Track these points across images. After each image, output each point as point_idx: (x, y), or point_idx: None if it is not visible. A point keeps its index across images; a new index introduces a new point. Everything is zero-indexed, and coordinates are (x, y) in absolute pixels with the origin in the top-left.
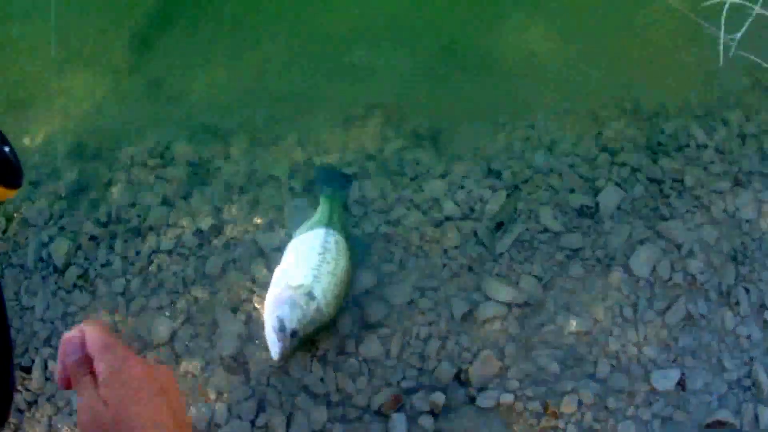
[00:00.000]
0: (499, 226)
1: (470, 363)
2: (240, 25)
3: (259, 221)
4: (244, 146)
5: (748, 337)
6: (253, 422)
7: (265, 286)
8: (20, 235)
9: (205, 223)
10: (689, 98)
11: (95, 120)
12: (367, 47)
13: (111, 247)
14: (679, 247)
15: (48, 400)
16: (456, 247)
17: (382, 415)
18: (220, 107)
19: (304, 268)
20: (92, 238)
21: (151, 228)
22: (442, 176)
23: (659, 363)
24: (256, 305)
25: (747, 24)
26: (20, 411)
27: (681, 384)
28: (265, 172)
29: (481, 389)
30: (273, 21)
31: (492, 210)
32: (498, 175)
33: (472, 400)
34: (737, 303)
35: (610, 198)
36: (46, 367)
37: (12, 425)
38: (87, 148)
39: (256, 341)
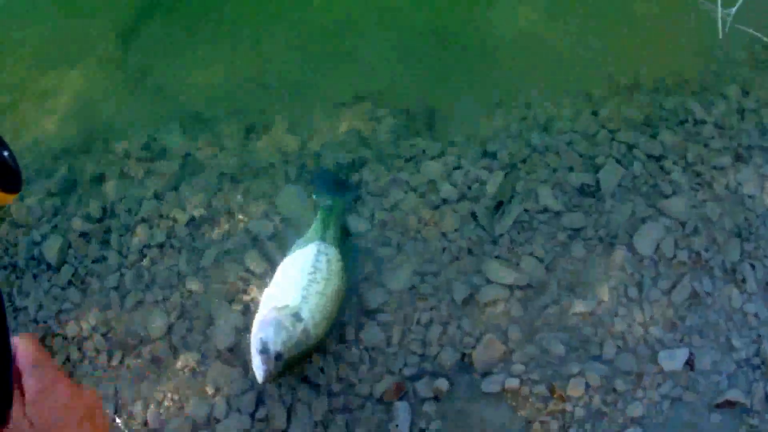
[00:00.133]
0: (498, 206)
1: (473, 348)
2: (227, 14)
3: (252, 210)
4: (235, 135)
5: (756, 314)
6: (252, 415)
7: (261, 276)
8: (11, 235)
9: (198, 214)
10: (686, 74)
11: (84, 116)
12: (356, 33)
13: (103, 243)
14: (682, 224)
15: None
16: (455, 230)
17: (384, 403)
18: (210, 97)
19: (292, 288)
20: (84, 234)
21: (143, 221)
22: (438, 158)
23: (666, 343)
24: (252, 296)
25: None
26: None
27: (689, 364)
28: (257, 160)
29: (486, 374)
30: (260, 10)
31: (490, 191)
32: (494, 155)
33: (477, 385)
34: (743, 280)
35: (610, 175)
36: None
37: None
38: (76, 144)
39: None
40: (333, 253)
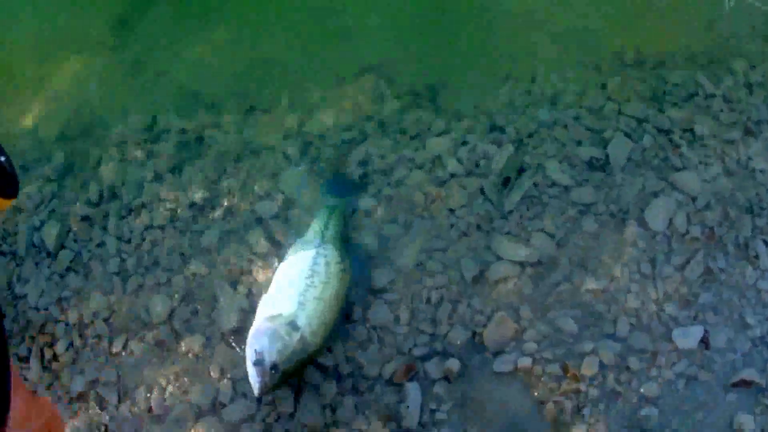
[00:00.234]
0: (507, 181)
1: (484, 326)
2: None
3: (255, 190)
4: (236, 115)
5: None
6: (259, 399)
7: (265, 256)
8: (9, 223)
9: (199, 195)
10: (692, 47)
11: (82, 101)
12: (356, 7)
13: (104, 227)
14: (694, 199)
15: (47, 389)
16: (463, 206)
17: (394, 384)
18: (209, 78)
19: (288, 295)
20: (84, 219)
21: (143, 205)
22: (444, 133)
23: (680, 320)
24: (257, 277)
25: None
26: None
27: (704, 342)
28: (258, 140)
29: (498, 353)
30: None
31: (498, 166)
32: (502, 129)
33: (489, 365)
34: (756, 256)
35: (619, 149)
36: (43, 355)
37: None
38: (74, 128)
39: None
40: (332, 255)
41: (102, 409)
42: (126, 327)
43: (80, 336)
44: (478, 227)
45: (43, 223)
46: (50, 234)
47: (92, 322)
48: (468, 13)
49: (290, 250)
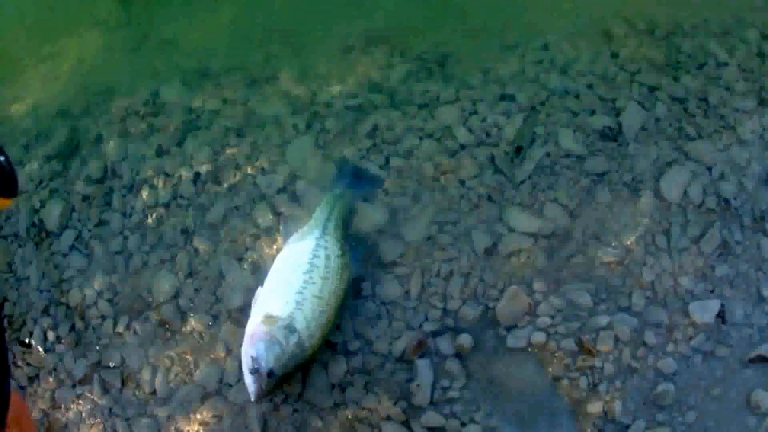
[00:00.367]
0: (518, 151)
1: (497, 300)
2: None
3: (260, 164)
4: (240, 87)
5: None
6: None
7: (269, 231)
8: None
9: (203, 170)
10: (704, 16)
11: (84, 77)
12: None
13: (106, 205)
14: (709, 168)
15: (50, 373)
16: (474, 177)
17: (405, 361)
18: (211, 50)
19: (285, 293)
20: (85, 197)
21: (146, 181)
22: (453, 102)
23: (697, 294)
24: (262, 253)
25: None
26: (22, 387)
27: (721, 316)
28: (263, 112)
29: (511, 328)
30: None
31: (509, 135)
32: (512, 98)
33: (502, 340)
34: None
35: (633, 118)
36: (45, 338)
37: None
38: (76, 105)
39: None
40: (333, 247)
41: (105, 392)
42: (130, 307)
43: (82, 318)
44: (490, 198)
45: (43, 203)
46: (52, 214)
47: (95, 302)
48: None
49: (289, 239)
